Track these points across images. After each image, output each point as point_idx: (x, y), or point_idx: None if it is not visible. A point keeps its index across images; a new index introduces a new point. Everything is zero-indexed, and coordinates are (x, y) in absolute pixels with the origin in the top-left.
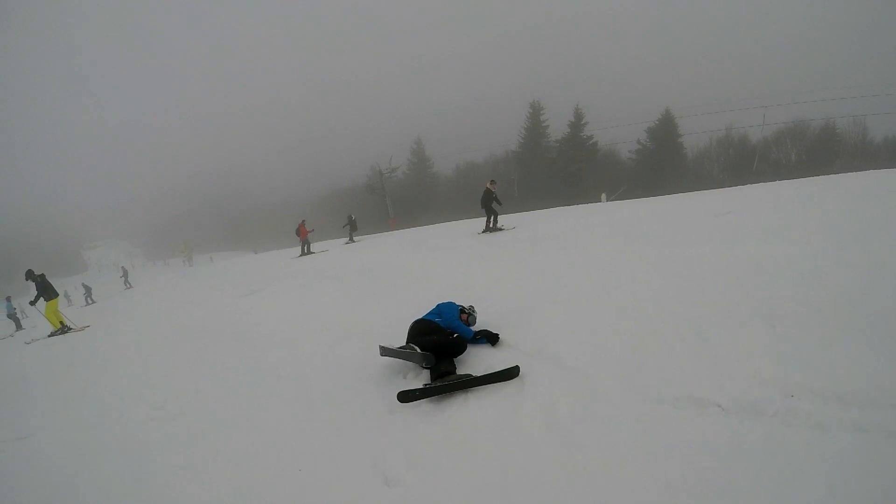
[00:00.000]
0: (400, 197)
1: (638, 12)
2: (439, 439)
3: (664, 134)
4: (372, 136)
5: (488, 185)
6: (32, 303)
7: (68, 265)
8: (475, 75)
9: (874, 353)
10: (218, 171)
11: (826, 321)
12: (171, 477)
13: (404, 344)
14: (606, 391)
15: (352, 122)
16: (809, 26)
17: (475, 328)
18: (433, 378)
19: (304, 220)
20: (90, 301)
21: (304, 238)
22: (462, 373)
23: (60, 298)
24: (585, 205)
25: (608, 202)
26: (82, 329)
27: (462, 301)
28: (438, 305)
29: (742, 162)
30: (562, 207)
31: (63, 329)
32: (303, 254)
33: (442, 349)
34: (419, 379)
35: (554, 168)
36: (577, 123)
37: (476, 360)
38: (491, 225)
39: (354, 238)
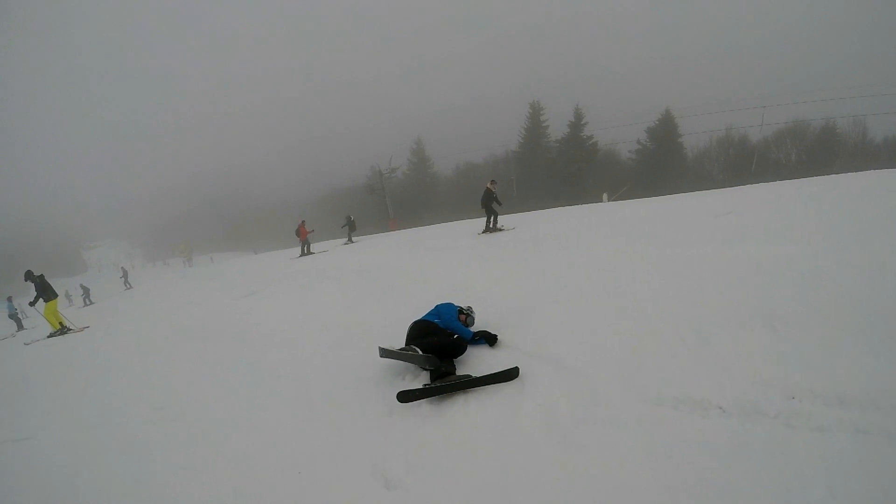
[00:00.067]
0: (400, 197)
1: (638, 12)
2: (439, 440)
3: (664, 134)
4: (372, 136)
5: (488, 185)
6: (32, 304)
7: (68, 265)
8: (475, 75)
9: (874, 353)
10: (218, 171)
11: (826, 321)
12: (171, 477)
13: (404, 345)
14: (606, 392)
15: (352, 122)
16: (809, 26)
17: (473, 329)
18: (433, 379)
19: (303, 221)
20: (88, 302)
21: (303, 238)
22: (462, 373)
23: (61, 299)
24: (587, 205)
25: (610, 202)
26: (81, 330)
27: (461, 302)
28: (437, 306)
29: (742, 162)
30: (562, 207)
31: (62, 330)
32: (303, 254)
33: (442, 350)
34: (419, 380)
35: (554, 168)
36: (577, 123)
37: (476, 361)
38: (491, 225)
39: (353, 238)
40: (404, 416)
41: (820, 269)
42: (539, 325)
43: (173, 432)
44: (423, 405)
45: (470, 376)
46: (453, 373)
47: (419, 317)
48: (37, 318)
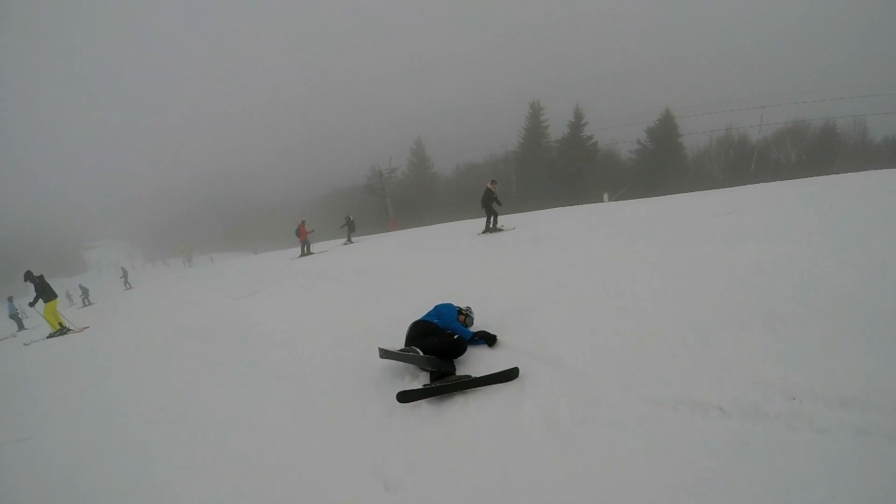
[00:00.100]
0: (400, 197)
1: (638, 12)
2: (439, 440)
3: (664, 134)
4: (372, 136)
5: (489, 185)
6: (31, 304)
7: (68, 266)
8: (475, 75)
9: (875, 354)
10: (218, 171)
11: (826, 322)
12: (171, 477)
13: (403, 345)
14: (606, 392)
15: (352, 122)
16: (809, 26)
17: (472, 329)
18: (433, 379)
19: (303, 221)
20: (87, 303)
21: (303, 238)
22: (461, 374)
23: (62, 299)
24: (588, 205)
25: (610, 202)
26: (81, 330)
27: (460, 302)
28: (436, 307)
29: (742, 162)
30: (562, 207)
31: (62, 330)
32: (303, 254)
33: (443, 351)
34: (418, 380)
35: (554, 168)
36: (577, 123)
37: (476, 361)
38: (491, 225)
39: (352, 239)
40: (404, 416)
41: (820, 269)
42: (539, 325)
43: (173, 432)
44: (422, 405)
45: (470, 376)
46: (453, 373)
47: (419, 317)
48: (38, 319)
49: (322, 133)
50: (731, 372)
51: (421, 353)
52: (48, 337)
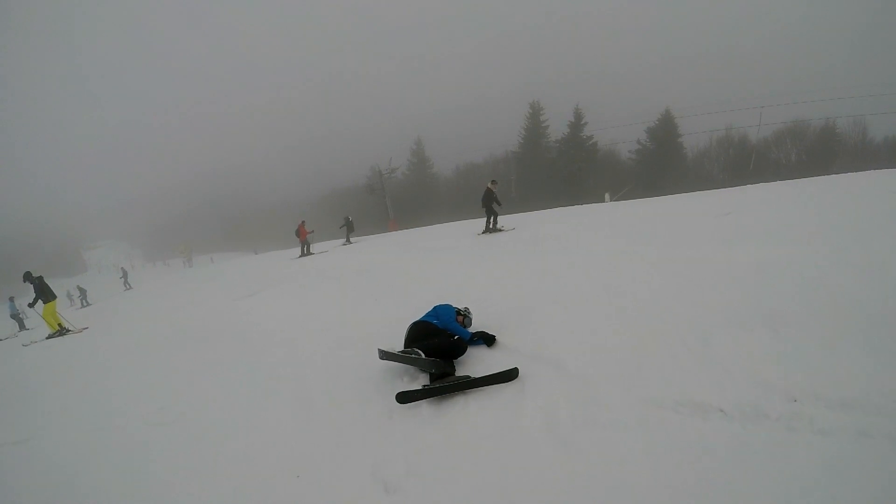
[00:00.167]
0: (400, 197)
1: (638, 12)
2: (439, 441)
3: (664, 134)
4: (372, 136)
5: (489, 186)
6: (31, 305)
7: (68, 266)
8: (475, 75)
9: (875, 355)
10: (218, 172)
11: (827, 323)
12: (171, 477)
13: (403, 346)
14: (607, 393)
15: (352, 122)
16: (809, 26)
17: (471, 329)
18: (432, 379)
19: (303, 221)
20: (85, 303)
21: (303, 239)
22: (461, 374)
23: (63, 299)
24: (587, 205)
25: (611, 202)
26: (81, 331)
27: (460, 302)
28: (435, 307)
29: (742, 162)
30: (562, 208)
31: (61, 331)
32: (303, 254)
33: (443, 351)
34: (418, 380)
35: (554, 168)
36: (577, 123)
37: (476, 362)
38: (491, 225)
39: (352, 239)
40: (404, 416)
41: (820, 269)
42: (539, 326)
43: (173, 432)
44: (422, 406)
45: (469, 377)
46: (453, 373)
47: (419, 317)
48: (39, 319)
49: (322, 133)
50: (731, 373)
51: (423, 356)
52: (48, 338)
